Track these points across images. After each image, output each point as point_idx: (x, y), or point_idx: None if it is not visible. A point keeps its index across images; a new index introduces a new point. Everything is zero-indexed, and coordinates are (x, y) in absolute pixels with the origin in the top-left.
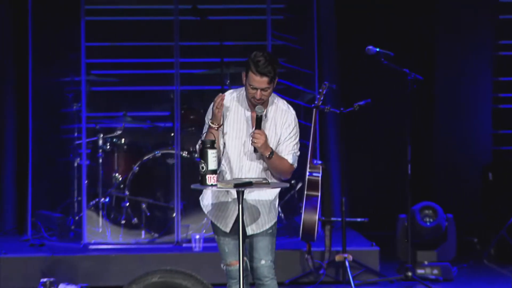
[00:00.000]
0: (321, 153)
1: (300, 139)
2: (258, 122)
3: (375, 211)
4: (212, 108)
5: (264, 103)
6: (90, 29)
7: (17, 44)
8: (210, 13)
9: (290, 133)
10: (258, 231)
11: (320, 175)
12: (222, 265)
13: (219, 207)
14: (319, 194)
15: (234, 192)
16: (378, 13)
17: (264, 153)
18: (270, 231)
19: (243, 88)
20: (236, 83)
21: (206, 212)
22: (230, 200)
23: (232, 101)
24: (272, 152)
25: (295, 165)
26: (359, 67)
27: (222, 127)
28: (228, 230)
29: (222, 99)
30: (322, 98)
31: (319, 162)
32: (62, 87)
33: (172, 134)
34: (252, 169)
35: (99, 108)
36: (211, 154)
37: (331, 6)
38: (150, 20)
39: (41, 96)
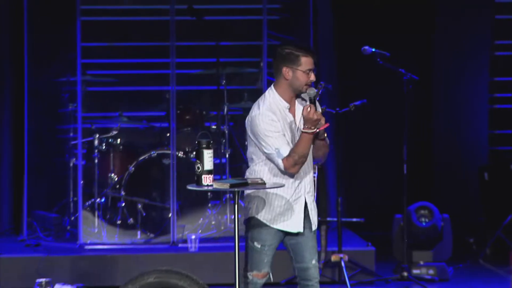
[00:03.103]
0: None
1: None
2: (314, 103)
3: (371, 211)
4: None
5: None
6: (85, 29)
7: (14, 44)
8: (206, 13)
9: None
10: (316, 226)
11: (315, 175)
12: (249, 275)
13: (283, 213)
14: (315, 194)
15: (287, 194)
16: (375, 13)
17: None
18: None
19: (262, 99)
20: (231, 83)
21: (271, 225)
22: (290, 202)
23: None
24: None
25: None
26: (356, 67)
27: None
28: (302, 229)
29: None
30: (318, 98)
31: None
32: (58, 87)
33: (168, 135)
34: (308, 163)
35: (95, 108)
36: (207, 154)
37: (327, 6)
38: (146, 20)
39: (38, 96)
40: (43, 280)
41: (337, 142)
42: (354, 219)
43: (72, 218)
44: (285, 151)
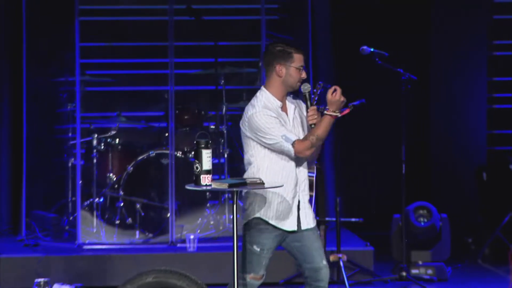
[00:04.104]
0: None
1: None
2: (309, 99)
3: (370, 211)
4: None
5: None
6: (84, 29)
7: (12, 44)
8: (205, 13)
9: None
10: (312, 226)
11: (314, 175)
12: (247, 277)
13: (282, 211)
14: (314, 194)
15: (286, 193)
16: (374, 12)
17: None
18: (318, 232)
19: (255, 99)
20: (230, 83)
21: (272, 223)
22: (287, 200)
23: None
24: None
25: None
26: (354, 67)
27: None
28: (296, 227)
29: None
30: (316, 98)
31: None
32: (57, 87)
33: (167, 134)
34: (304, 162)
35: (93, 108)
36: (206, 154)
37: (326, 6)
38: (144, 20)
39: (36, 96)
40: (41, 280)
41: (335, 142)
42: (353, 219)
43: (71, 218)
44: (292, 136)
